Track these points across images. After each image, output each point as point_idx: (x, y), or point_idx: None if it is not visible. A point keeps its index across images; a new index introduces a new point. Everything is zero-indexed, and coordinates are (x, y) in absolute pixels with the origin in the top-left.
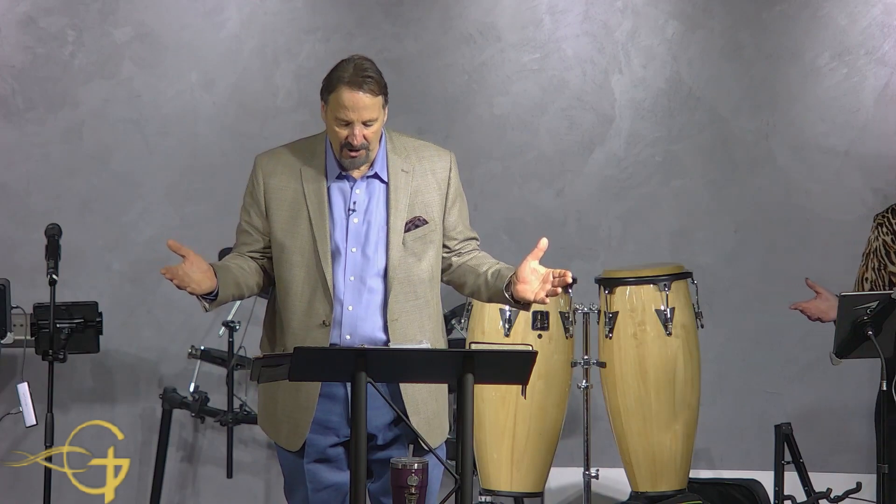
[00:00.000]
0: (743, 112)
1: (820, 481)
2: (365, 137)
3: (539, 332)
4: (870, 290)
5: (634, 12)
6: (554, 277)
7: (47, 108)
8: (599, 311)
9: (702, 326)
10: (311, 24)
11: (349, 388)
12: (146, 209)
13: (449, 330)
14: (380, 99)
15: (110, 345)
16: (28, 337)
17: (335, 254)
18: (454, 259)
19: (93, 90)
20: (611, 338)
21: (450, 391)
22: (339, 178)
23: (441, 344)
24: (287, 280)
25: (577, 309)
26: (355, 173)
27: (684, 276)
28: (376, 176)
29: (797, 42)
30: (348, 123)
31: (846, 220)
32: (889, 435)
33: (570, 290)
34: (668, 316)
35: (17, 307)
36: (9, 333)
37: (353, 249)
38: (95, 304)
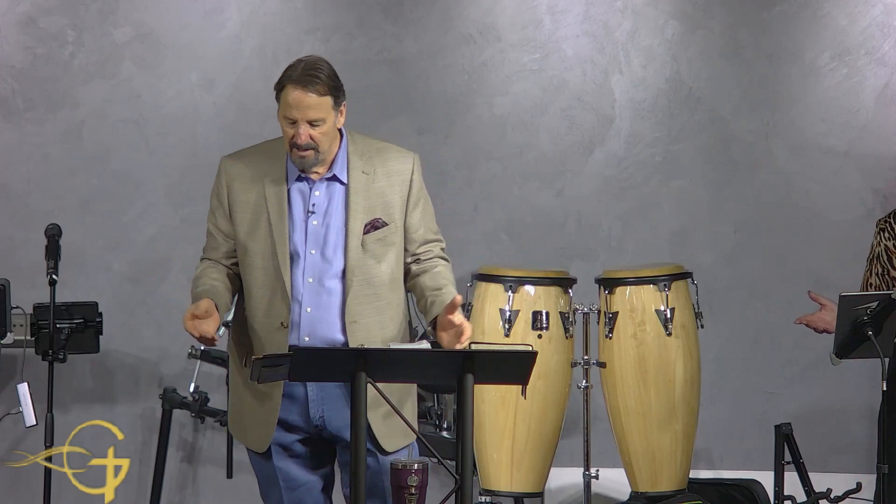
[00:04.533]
0: (743, 112)
1: (820, 481)
2: (312, 137)
3: (539, 332)
4: None
5: (634, 12)
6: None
7: (47, 108)
8: (599, 312)
9: (702, 326)
10: (311, 24)
11: (308, 389)
12: (146, 209)
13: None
14: (327, 99)
15: (110, 345)
16: (28, 337)
17: (294, 256)
18: (413, 267)
19: (93, 90)
20: (611, 338)
21: (450, 391)
22: (299, 179)
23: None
24: (249, 282)
25: (577, 309)
26: (314, 175)
27: (684, 276)
28: (335, 178)
29: (797, 42)
30: (294, 122)
31: (846, 220)
32: (888, 434)
33: (570, 291)
34: (668, 316)
35: (17, 307)
36: (9, 333)
37: (313, 251)
38: (95, 304)
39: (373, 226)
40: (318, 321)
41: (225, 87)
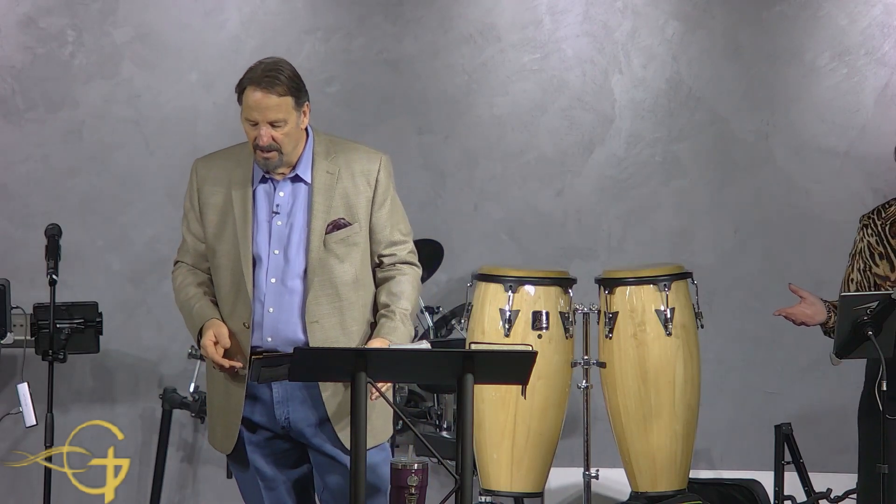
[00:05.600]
0: (743, 112)
1: (820, 481)
2: (274, 139)
3: (539, 332)
4: (856, 291)
5: (634, 12)
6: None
7: (47, 108)
8: (599, 312)
9: (702, 326)
10: (311, 24)
11: (273, 390)
12: (146, 209)
13: (449, 330)
14: (288, 100)
15: (110, 345)
16: (28, 337)
17: (257, 257)
18: (378, 272)
19: (93, 90)
20: (611, 338)
21: (450, 391)
22: (264, 181)
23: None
24: (217, 283)
25: (577, 309)
26: (278, 175)
27: (684, 276)
28: (299, 177)
29: (797, 42)
30: (256, 124)
31: (846, 220)
32: (866, 435)
33: (570, 291)
34: (668, 316)
35: (17, 307)
36: (9, 333)
37: (276, 252)
38: (95, 305)
39: (335, 225)
40: (280, 321)
41: (225, 87)
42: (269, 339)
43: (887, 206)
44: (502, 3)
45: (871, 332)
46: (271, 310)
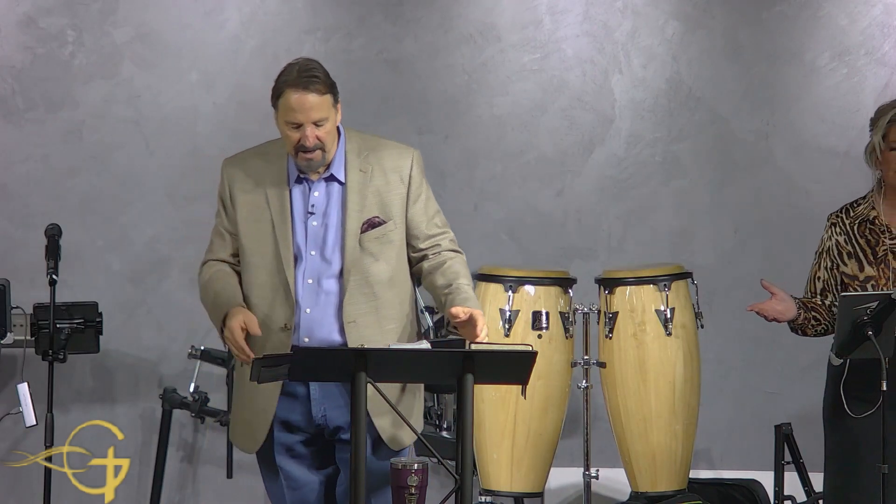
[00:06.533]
0: (743, 112)
1: (820, 481)
2: (318, 138)
3: (539, 332)
4: (822, 290)
5: (634, 12)
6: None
7: (47, 108)
8: (599, 312)
9: (702, 326)
10: (311, 24)
11: (311, 388)
12: (146, 209)
13: (449, 330)
14: (328, 98)
15: (110, 345)
16: (28, 337)
17: (296, 258)
18: (424, 265)
19: (93, 90)
20: (611, 338)
21: (450, 391)
22: (299, 181)
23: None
24: (249, 283)
25: (577, 309)
26: (313, 175)
27: (684, 276)
28: (333, 177)
29: (797, 42)
30: (298, 126)
31: None
32: (833, 437)
33: (570, 291)
34: (668, 316)
35: (17, 307)
36: (9, 333)
37: (313, 252)
38: (95, 304)
39: (370, 224)
40: (316, 322)
41: (225, 87)
42: (306, 340)
43: (855, 204)
44: (502, 3)
45: (871, 332)
46: (308, 311)
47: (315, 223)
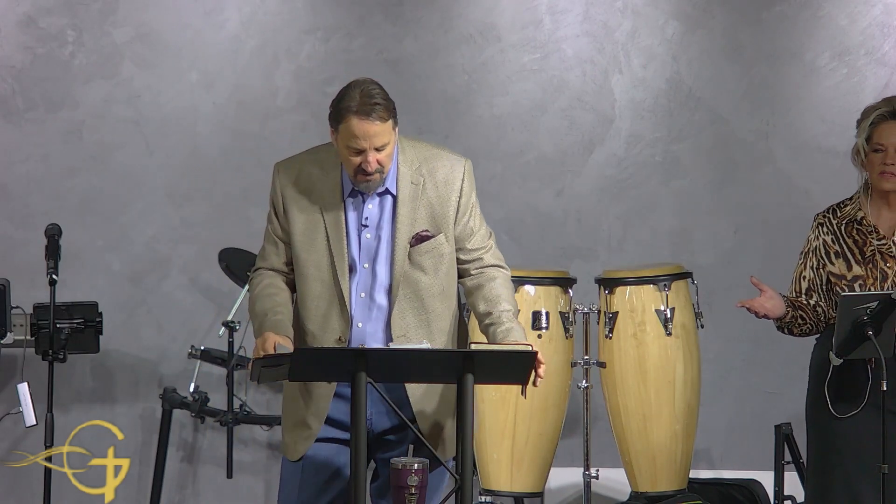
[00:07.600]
0: (743, 112)
1: None
2: (378, 162)
3: (539, 332)
4: (807, 289)
5: (634, 12)
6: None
7: (47, 108)
8: (599, 312)
9: (702, 326)
10: (311, 24)
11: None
12: (146, 209)
13: None
14: (390, 123)
15: (110, 345)
16: (28, 337)
17: (350, 270)
18: (467, 282)
19: (93, 90)
20: (611, 338)
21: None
22: (353, 193)
23: None
24: (303, 292)
25: (577, 309)
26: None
27: (684, 276)
28: (387, 190)
29: (797, 42)
30: (361, 151)
31: None
32: (817, 437)
33: (570, 291)
34: (668, 316)
35: (17, 307)
36: (9, 333)
37: (366, 265)
38: (95, 304)
39: (419, 238)
40: (368, 336)
41: (225, 87)
42: None
43: (842, 205)
44: (502, 3)
45: (871, 332)
46: (360, 324)
47: (368, 235)
